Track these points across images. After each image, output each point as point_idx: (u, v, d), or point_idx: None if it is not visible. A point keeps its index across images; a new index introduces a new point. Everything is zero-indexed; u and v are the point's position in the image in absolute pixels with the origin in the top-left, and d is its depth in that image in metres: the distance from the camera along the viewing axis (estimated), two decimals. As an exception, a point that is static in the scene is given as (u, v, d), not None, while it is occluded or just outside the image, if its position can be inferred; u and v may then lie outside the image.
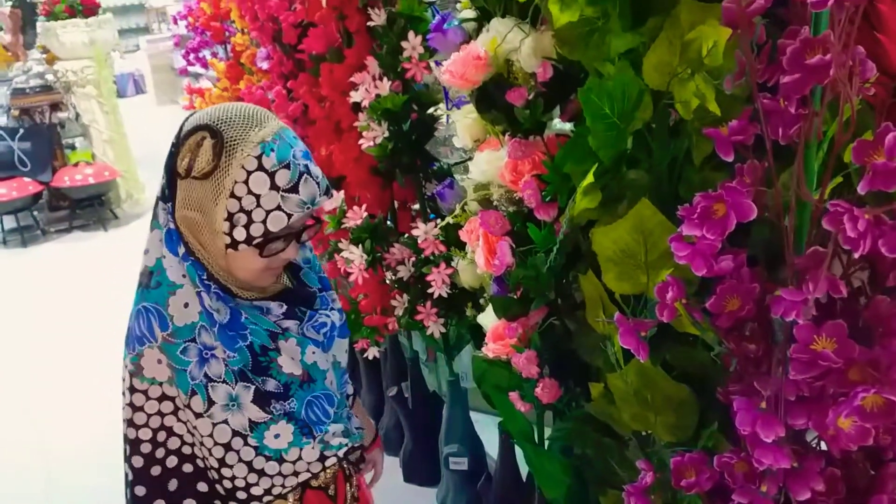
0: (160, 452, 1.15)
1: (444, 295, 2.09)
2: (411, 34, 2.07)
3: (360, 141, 2.23)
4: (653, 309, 0.89)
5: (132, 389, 1.13)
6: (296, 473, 1.23)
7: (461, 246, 1.90)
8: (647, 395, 1.10)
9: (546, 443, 1.64)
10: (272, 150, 1.07)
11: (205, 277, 1.14)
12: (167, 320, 1.12)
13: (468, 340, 2.39)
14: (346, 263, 2.29)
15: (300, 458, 1.22)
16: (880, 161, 0.68)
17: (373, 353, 2.50)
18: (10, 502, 3.14)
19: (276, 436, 1.18)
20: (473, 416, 2.61)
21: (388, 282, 2.34)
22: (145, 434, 1.14)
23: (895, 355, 0.75)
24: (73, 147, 6.73)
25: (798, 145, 0.75)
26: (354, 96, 2.20)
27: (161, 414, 1.14)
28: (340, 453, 1.29)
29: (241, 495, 1.21)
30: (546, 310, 1.45)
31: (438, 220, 2.08)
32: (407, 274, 2.25)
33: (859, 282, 0.82)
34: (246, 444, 1.17)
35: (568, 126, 1.48)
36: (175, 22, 7.85)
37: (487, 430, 2.54)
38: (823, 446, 0.83)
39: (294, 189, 1.08)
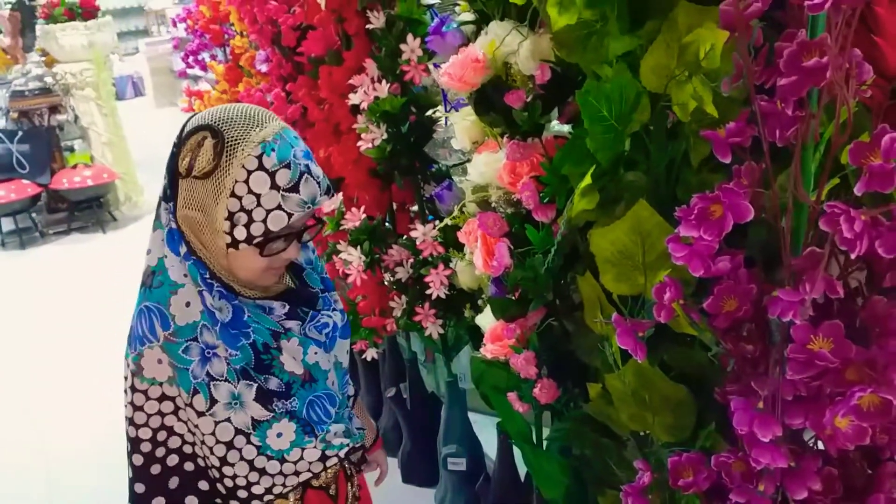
0: (160, 451, 1.16)
1: (443, 296, 2.09)
2: (410, 37, 2.07)
3: (359, 143, 2.23)
4: (650, 309, 0.90)
5: (133, 389, 1.14)
6: (297, 473, 1.23)
7: (459, 247, 1.90)
8: (645, 395, 1.11)
9: (544, 443, 1.64)
10: (273, 149, 1.08)
11: (207, 276, 1.14)
12: (169, 319, 1.13)
13: (466, 341, 2.39)
14: (345, 265, 2.30)
15: (302, 457, 1.22)
16: (877, 162, 0.68)
17: (371, 354, 2.51)
18: (10, 503, 3.14)
19: (279, 435, 1.19)
20: (472, 416, 2.61)
21: (386, 283, 2.34)
22: (145, 433, 1.15)
23: (892, 355, 0.75)
24: (71, 149, 6.73)
25: (795, 147, 0.76)
26: (353, 98, 2.20)
27: (161, 414, 1.14)
28: (342, 453, 1.29)
29: (242, 494, 1.21)
30: (544, 311, 1.45)
31: (437, 222, 2.08)
32: (405, 275, 2.25)
33: (856, 282, 0.83)
34: (248, 442, 1.17)
35: (566, 128, 1.48)
36: (174, 24, 7.85)
37: (486, 430, 2.54)
38: (821, 446, 0.84)
39: (294, 188, 1.09)
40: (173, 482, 1.17)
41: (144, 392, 1.13)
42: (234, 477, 1.19)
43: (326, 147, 2.54)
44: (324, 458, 1.26)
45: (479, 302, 1.96)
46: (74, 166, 6.57)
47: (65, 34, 6.53)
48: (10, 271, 5.95)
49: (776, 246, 0.81)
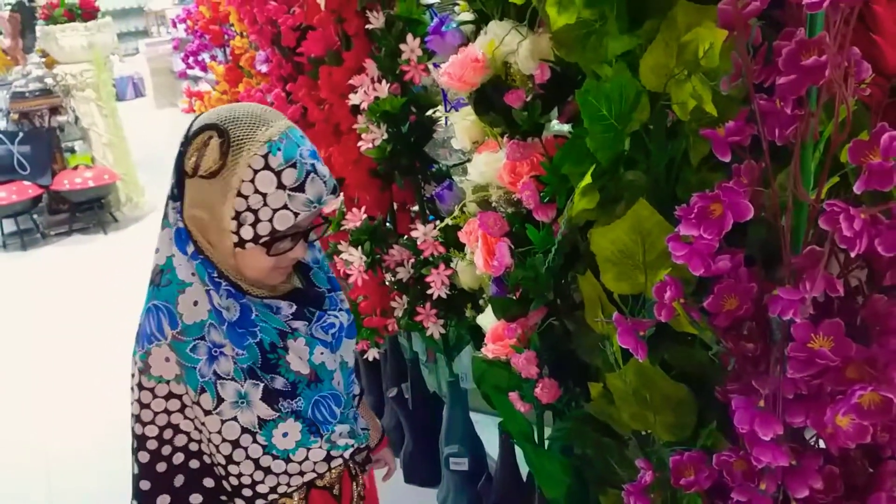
0: (166, 449, 1.16)
1: (444, 296, 2.09)
2: (410, 37, 2.07)
3: (359, 143, 2.23)
4: (651, 309, 0.90)
5: (140, 386, 1.14)
6: (301, 473, 1.24)
7: (460, 247, 1.90)
8: (646, 394, 1.11)
9: (546, 443, 1.64)
10: (279, 149, 1.08)
11: (215, 275, 1.15)
12: (177, 318, 1.13)
13: (468, 341, 2.39)
14: (346, 265, 2.30)
15: (307, 457, 1.23)
16: (876, 161, 0.68)
17: (373, 354, 2.51)
18: (11, 503, 3.15)
19: (285, 434, 1.19)
20: (473, 416, 2.62)
21: (387, 283, 2.34)
22: (152, 431, 1.15)
23: (892, 353, 0.75)
24: (72, 150, 6.73)
25: (794, 146, 0.76)
26: (353, 99, 2.21)
27: (168, 412, 1.15)
28: (346, 454, 1.30)
29: (247, 492, 1.21)
30: (545, 310, 1.45)
31: (437, 222, 2.08)
32: (406, 275, 2.25)
33: (857, 281, 0.83)
34: (254, 441, 1.18)
35: (566, 127, 1.48)
36: (174, 25, 7.88)
37: (487, 430, 2.54)
38: (822, 444, 0.84)
39: (300, 188, 1.09)
40: (178, 480, 1.18)
41: (151, 390, 1.14)
42: (239, 475, 1.20)
43: (327, 147, 2.54)
44: (329, 458, 1.26)
45: (481, 302, 1.96)
46: (75, 167, 6.58)
47: (65, 35, 6.53)
48: (11, 273, 5.95)
49: (776, 244, 0.81)
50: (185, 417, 1.16)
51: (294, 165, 1.08)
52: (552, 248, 1.37)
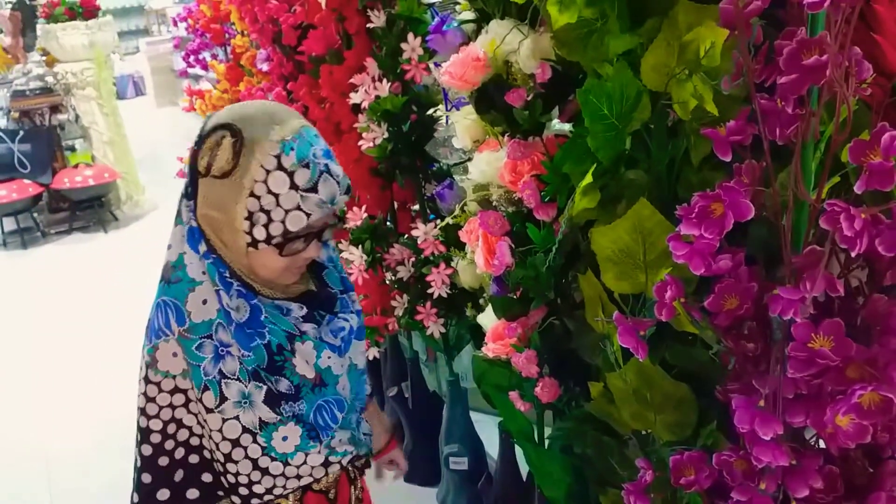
0: (169, 444, 1.17)
1: (444, 295, 2.09)
2: (411, 36, 2.07)
3: (360, 142, 2.24)
4: (651, 308, 0.90)
5: (146, 380, 1.15)
6: (298, 476, 1.24)
7: (461, 246, 1.90)
8: (647, 393, 1.11)
9: (546, 442, 1.64)
10: (292, 148, 1.08)
11: (226, 275, 1.14)
12: (184, 316, 1.13)
13: (468, 340, 2.39)
14: (346, 264, 2.30)
15: (305, 461, 1.23)
16: (876, 161, 0.68)
17: (373, 353, 2.51)
18: (11, 503, 3.15)
19: (285, 438, 1.19)
20: (473, 415, 2.61)
21: (387, 282, 2.34)
22: (156, 424, 1.16)
23: (893, 353, 0.75)
24: (72, 149, 6.73)
25: (795, 145, 0.76)
26: (354, 98, 2.21)
27: (172, 406, 1.15)
28: (345, 461, 1.30)
29: (243, 491, 1.22)
30: (545, 309, 1.45)
31: (438, 221, 2.09)
32: (407, 274, 2.25)
33: (857, 280, 0.83)
34: (254, 441, 1.18)
35: (567, 127, 1.48)
36: (175, 24, 7.87)
37: (487, 429, 2.54)
38: (822, 444, 0.84)
39: (313, 188, 1.08)
40: (179, 475, 1.18)
41: (158, 384, 1.14)
42: (236, 474, 1.20)
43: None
44: (327, 463, 1.26)
45: (481, 301, 1.96)
46: (76, 166, 6.57)
47: (66, 34, 6.53)
48: (11, 271, 5.95)
49: (777, 244, 0.81)
50: (189, 412, 1.16)
51: (307, 166, 1.08)
52: (553, 248, 1.37)
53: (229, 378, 1.14)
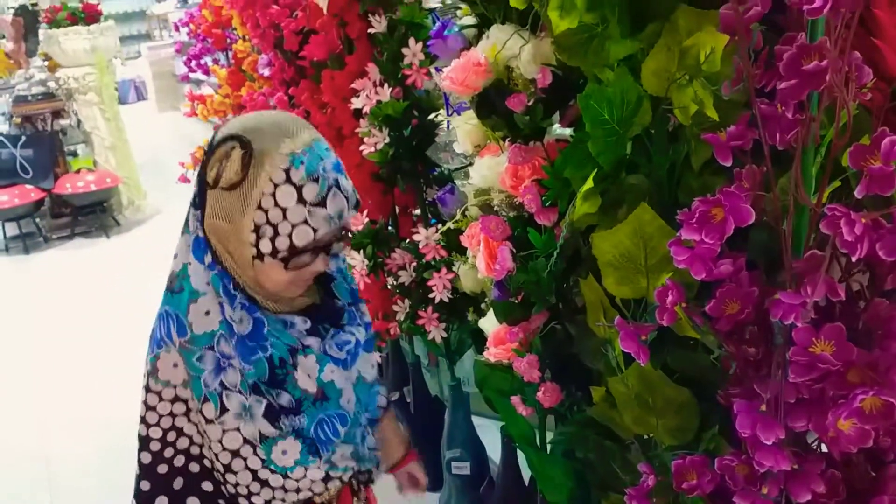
0: (168, 452, 1.16)
1: (446, 300, 2.09)
2: (412, 41, 2.08)
3: (362, 147, 2.24)
4: (653, 313, 0.90)
5: (147, 389, 1.15)
6: (298, 490, 1.22)
7: (462, 251, 1.90)
8: (648, 398, 1.11)
9: (548, 447, 1.64)
10: (301, 162, 1.06)
11: (231, 287, 1.13)
12: (186, 327, 1.13)
13: (469, 345, 2.39)
14: (348, 269, 2.30)
15: (305, 475, 1.22)
16: (877, 165, 0.69)
17: (375, 358, 2.50)
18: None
19: (284, 452, 1.18)
20: (475, 420, 2.61)
21: (389, 287, 2.34)
22: (155, 433, 1.15)
23: (894, 357, 0.75)
24: (74, 154, 6.75)
25: (796, 150, 0.76)
26: (356, 102, 2.21)
27: (172, 415, 1.15)
28: (345, 477, 1.28)
29: (243, 502, 1.21)
30: (547, 314, 1.45)
31: (439, 226, 2.09)
32: (408, 279, 2.25)
33: (858, 285, 0.83)
34: (254, 453, 1.17)
35: (568, 131, 1.48)
36: (177, 29, 7.89)
37: (489, 434, 2.54)
38: (824, 448, 0.84)
39: (322, 203, 1.07)
40: (178, 483, 1.18)
41: (158, 393, 1.14)
42: (236, 485, 1.19)
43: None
44: (327, 478, 1.25)
45: (482, 305, 1.96)
46: (78, 171, 6.59)
47: (68, 39, 6.55)
48: (14, 276, 5.96)
49: (778, 249, 0.81)
50: (190, 421, 1.16)
51: (316, 180, 1.06)
52: (554, 252, 1.37)
53: (230, 390, 1.14)
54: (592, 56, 1.12)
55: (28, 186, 6.34)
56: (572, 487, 1.51)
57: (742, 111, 0.83)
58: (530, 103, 1.40)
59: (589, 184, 1.16)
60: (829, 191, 0.78)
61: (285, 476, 1.20)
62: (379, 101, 2.16)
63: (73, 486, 3.20)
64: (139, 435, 1.17)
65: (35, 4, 7.98)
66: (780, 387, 0.80)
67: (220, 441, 1.16)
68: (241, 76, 4.49)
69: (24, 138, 6.41)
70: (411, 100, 2.21)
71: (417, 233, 2.12)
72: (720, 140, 0.80)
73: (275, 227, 1.07)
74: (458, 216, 1.88)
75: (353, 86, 2.24)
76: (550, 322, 1.46)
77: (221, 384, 1.13)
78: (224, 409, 1.14)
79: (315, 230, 1.07)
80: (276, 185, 1.05)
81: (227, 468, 1.18)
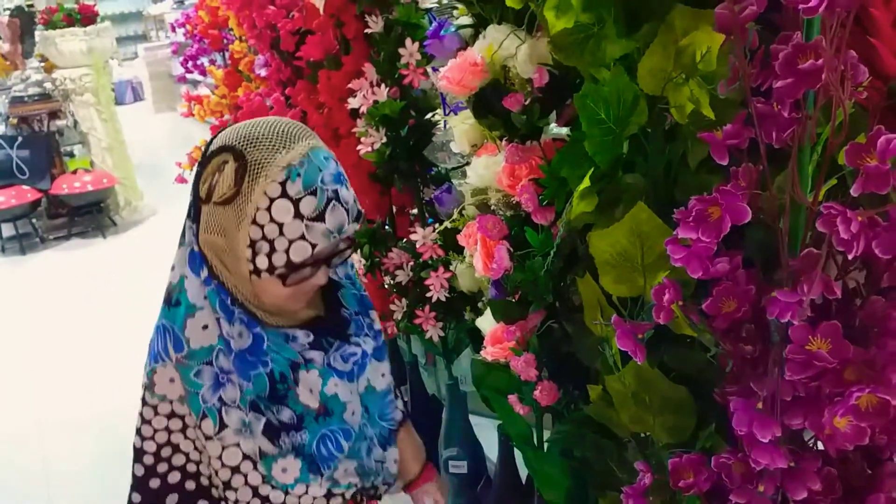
0: (162, 467, 1.13)
1: (443, 299, 2.09)
2: (408, 41, 2.08)
3: (359, 147, 2.24)
4: (650, 311, 0.90)
5: (143, 402, 1.12)
6: None
7: (459, 250, 1.90)
8: (645, 396, 1.11)
9: (545, 445, 1.64)
10: (298, 175, 1.01)
11: (228, 302, 1.10)
12: (182, 343, 1.09)
13: (467, 344, 2.39)
14: (345, 269, 2.30)
15: (306, 492, 1.19)
16: (872, 164, 0.69)
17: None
18: (10, 508, 3.15)
19: (284, 470, 1.15)
20: (473, 419, 2.61)
21: (386, 286, 2.34)
22: (150, 446, 1.12)
23: (890, 355, 0.75)
24: (71, 154, 6.75)
25: (792, 149, 0.76)
26: (352, 103, 2.21)
27: (168, 430, 1.12)
28: (348, 494, 1.25)
29: None
30: (544, 313, 1.45)
31: (436, 225, 2.09)
32: (405, 278, 2.25)
33: (855, 283, 0.83)
34: (255, 469, 1.14)
35: (564, 131, 1.48)
36: (173, 30, 7.89)
37: (487, 433, 2.54)
38: (820, 446, 0.84)
39: (320, 217, 1.01)
40: (171, 499, 1.14)
41: (154, 407, 1.11)
42: (236, 502, 1.16)
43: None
44: (329, 495, 1.22)
45: (480, 304, 1.96)
46: (74, 171, 6.59)
47: (64, 40, 6.54)
48: (10, 277, 5.95)
49: (774, 247, 0.81)
50: (186, 438, 1.12)
51: (314, 193, 1.01)
52: (551, 251, 1.37)
53: (230, 405, 1.10)
54: (589, 55, 1.12)
55: (24, 187, 6.34)
56: (569, 486, 1.52)
57: (738, 110, 0.83)
58: (527, 103, 1.40)
59: (586, 183, 1.16)
60: (825, 189, 0.79)
61: (286, 493, 1.17)
62: (376, 101, 2.16)
63: (71, 486, 3.20)
64: (134, 446, 1.14)
65: (31, 6, 7.98)
66: (777, 385, 0.81)
67: (220, 457, 1.13)
68: (238, 77, 4.49)
69: (20, 139, 6.41)
70: (408, 100, 2.21)
71: (414, 232, 2.12)
72: (716, 139, 0.80)
73: (271, 242, 1.02)
74: (455, 215, 1.89)
75: (349, 86, 2.24)
76: (547, 321, 1.46)
77: (220, 400, 1.10)
78: (223, 425, 1.11)
79: (313, 245, 1.03)
80: (271, 200, 1.00)
81: (227, 485, 1.15)
